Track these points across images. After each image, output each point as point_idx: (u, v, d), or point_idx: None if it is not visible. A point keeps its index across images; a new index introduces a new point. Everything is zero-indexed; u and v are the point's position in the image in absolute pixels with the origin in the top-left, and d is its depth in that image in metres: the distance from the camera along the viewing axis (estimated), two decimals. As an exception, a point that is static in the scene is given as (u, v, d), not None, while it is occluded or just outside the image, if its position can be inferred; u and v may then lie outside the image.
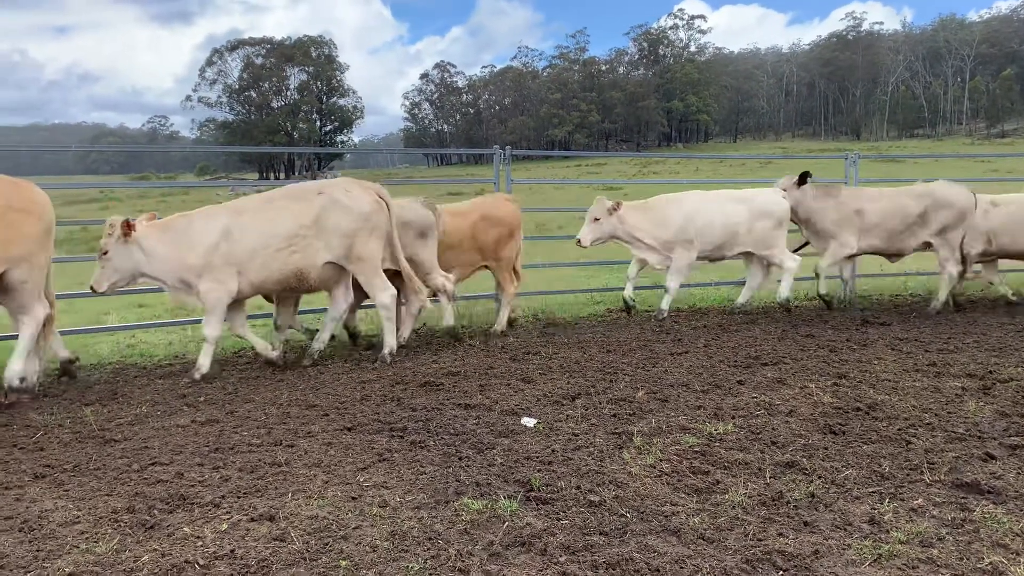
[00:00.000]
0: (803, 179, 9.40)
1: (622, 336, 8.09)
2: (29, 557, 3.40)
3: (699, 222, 9.15)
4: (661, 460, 4.49)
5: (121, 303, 11.51)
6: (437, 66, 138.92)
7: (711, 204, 9.31)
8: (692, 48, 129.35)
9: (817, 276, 9.51)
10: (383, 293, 7.20)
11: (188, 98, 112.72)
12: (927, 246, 9.35)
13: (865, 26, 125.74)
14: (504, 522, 3.68)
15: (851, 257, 9.57)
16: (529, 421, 5.27)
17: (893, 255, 9.57)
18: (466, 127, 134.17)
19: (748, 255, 9.53)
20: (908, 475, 4.24)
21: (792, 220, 9.46)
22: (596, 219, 9.05)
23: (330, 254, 6.97)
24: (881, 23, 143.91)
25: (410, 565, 3.28)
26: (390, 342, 7.27)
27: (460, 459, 4.57)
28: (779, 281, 9.39)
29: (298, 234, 6.83)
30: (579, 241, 9.09)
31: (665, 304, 9.20)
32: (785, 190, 9.39)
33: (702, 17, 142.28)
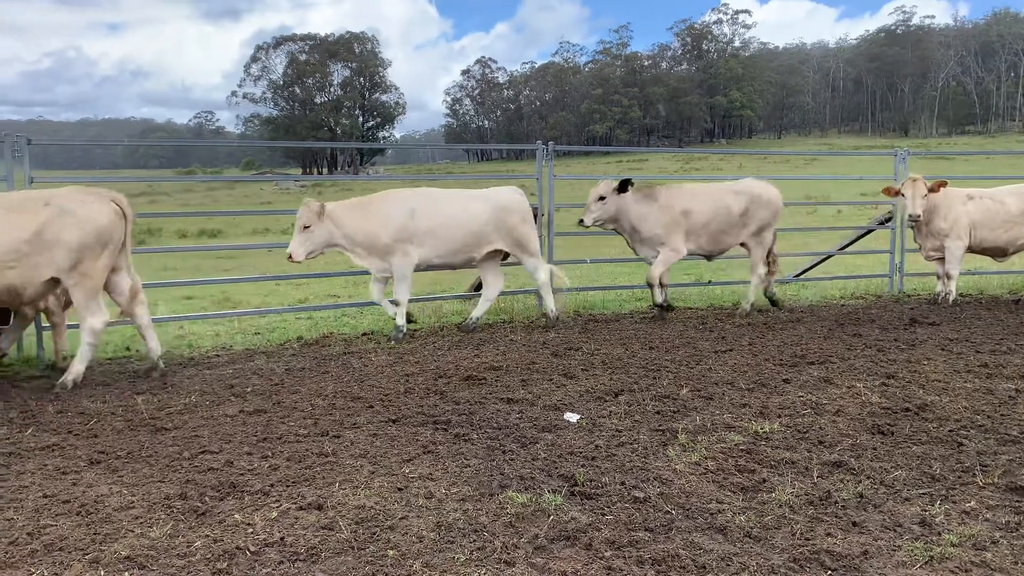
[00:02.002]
0: (624, 186, 8.60)
1: (665, 333, 8.05)
2: (87, 540, 3.50)
3: (425, 222, 7.99)
4: (706, 458, 4.47)
5: (169, 295, 11.75)
6: (478, 62, 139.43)
7: (442, 202, 8.23)
8: (736, 43, 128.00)
9: (651, 286, 8.93)
10: (96, 317, 6.38)
11: (233, 94, 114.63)
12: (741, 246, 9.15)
13: (915, 20, 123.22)
14: (549, 516, 3.69)
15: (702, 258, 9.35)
16: (572, 416, 5.27)
17: (710, 257, 9.27)
18: (507, 123, 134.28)
19: (487, 262, 8.61)
20: (960, 477, 4.17)
21: (614, 230, 8.95)
22: (306, 227, 7.62)
23: (52, 270, 6.18)
24: (932, 17, 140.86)
25: (456, 556, 3.31)
26: (78, 369, 6.40)
27: (504, 453, 4.59)
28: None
29: (17, 249, 6.02)
30: (290, 256, 7.64)
31: (400, 320, 8.06)
32: (604, 197, 8.57)
33: (747, 12, 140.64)
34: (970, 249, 9.56)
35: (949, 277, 9.53)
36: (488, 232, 8.33)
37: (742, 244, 9.21)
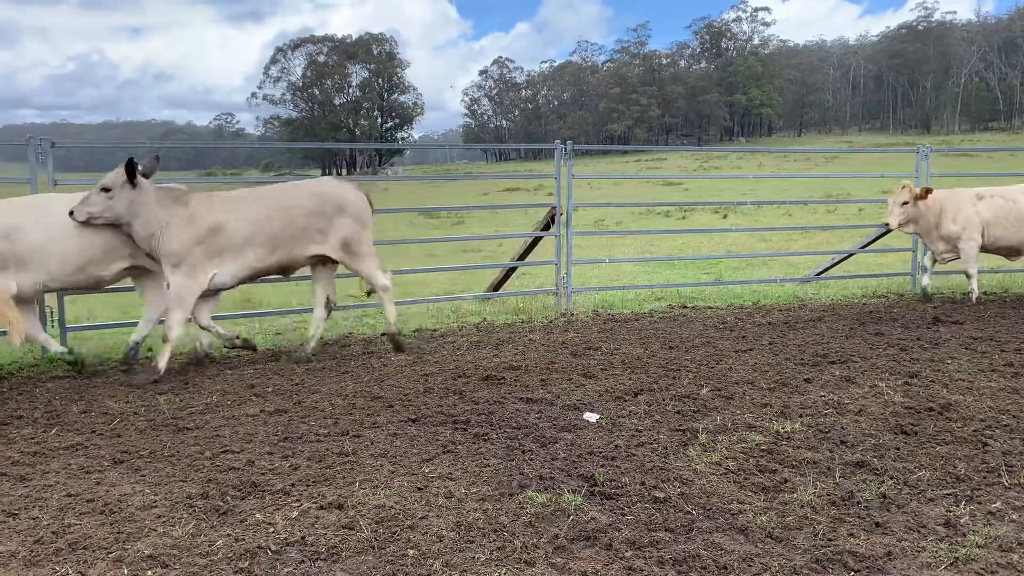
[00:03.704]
0: (132, 170, 6.38)
1: (684, 332, 8.02)
2: (111, 539, 3.53)
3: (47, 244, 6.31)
4: (727, 458, 4.44)
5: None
6: (496, 62, 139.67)
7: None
8: (756, 41, 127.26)
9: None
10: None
11: (253, 95, 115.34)
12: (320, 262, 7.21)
13: (937, 16, 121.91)
14: (569, 516, 3.69)
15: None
16: (591, 416, 5.26)
17: (278, 272, 7.14)
18: (525, 122, 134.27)
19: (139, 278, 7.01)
20: (985, 478, 4.12)
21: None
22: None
23: None
24: (954, 12, 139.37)
25: (476, 556, 3.31)
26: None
27: (523, 452, 4.59)
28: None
29: None
30: None
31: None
32: (108, 189, 6.35)
33: (766, 9, 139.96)
34: (984, 248, 9.43)
35: (969, 276, 9.42)
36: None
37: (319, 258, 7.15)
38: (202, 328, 6.97)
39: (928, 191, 9.19)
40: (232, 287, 6.93)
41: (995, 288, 10.40)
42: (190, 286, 6.49)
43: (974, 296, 9.39)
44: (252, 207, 6.78)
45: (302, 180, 7.49)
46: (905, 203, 9.21)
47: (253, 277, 7.00)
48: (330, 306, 7.46)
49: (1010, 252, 9.60)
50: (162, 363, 6.55)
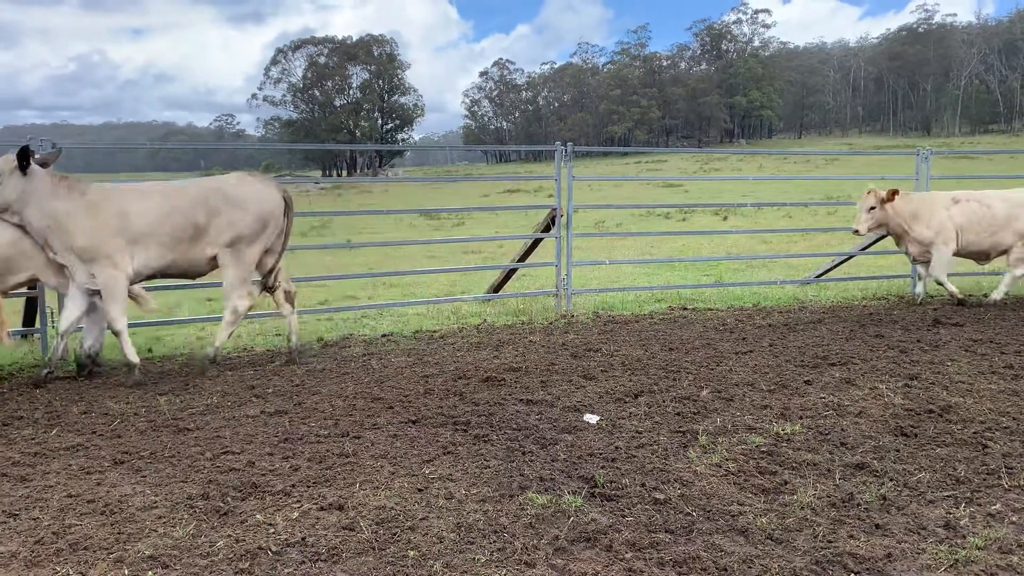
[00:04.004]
0: (25, 156, 6.13)
1: (684, 334, 8.02)
2: (111, 539, 3.53)
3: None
4: (727, 459, 4.45)
5: (191, 297, 11.83)
6: (496, 63, 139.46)
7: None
8: (756, 43, 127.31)
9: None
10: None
11: (254, 96, 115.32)
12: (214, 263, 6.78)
13: (937, 18, 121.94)
14: (569, 517, 3.69)
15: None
16: (592, 418, 5.27)
17: (179, 275, 6.84)
18: (525, 124, 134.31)
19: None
20: (985, 480, 4.12)
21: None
22: None
23: None
24: (954, 15, 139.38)
25: (476, 557, 3.32)
26: None
27: (523, 454, 4.60)
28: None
29: None
30: None
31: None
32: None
33: (766, 11, 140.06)
34: (956, 253, 9.41)
35: (940, 283, 9.37)
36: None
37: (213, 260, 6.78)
38: (59, 334, 6.57)
39: (895, 192, 9.14)
40: (134, 283, 6.62)
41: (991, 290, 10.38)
42: (117, 276, 6.29)
43: (957, 297, 9.40)
44: (153, 200, 6.47)
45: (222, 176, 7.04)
46: (872, 208, 9.17)
47: (154, 275, 6.69)
48: (291, 297, 7.30)
49: (980, 256, 9.58)
50: (130, 354, 6.50)
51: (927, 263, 9.45)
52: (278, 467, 4.43)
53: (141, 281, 6.71)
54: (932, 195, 9.52)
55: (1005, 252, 9.40)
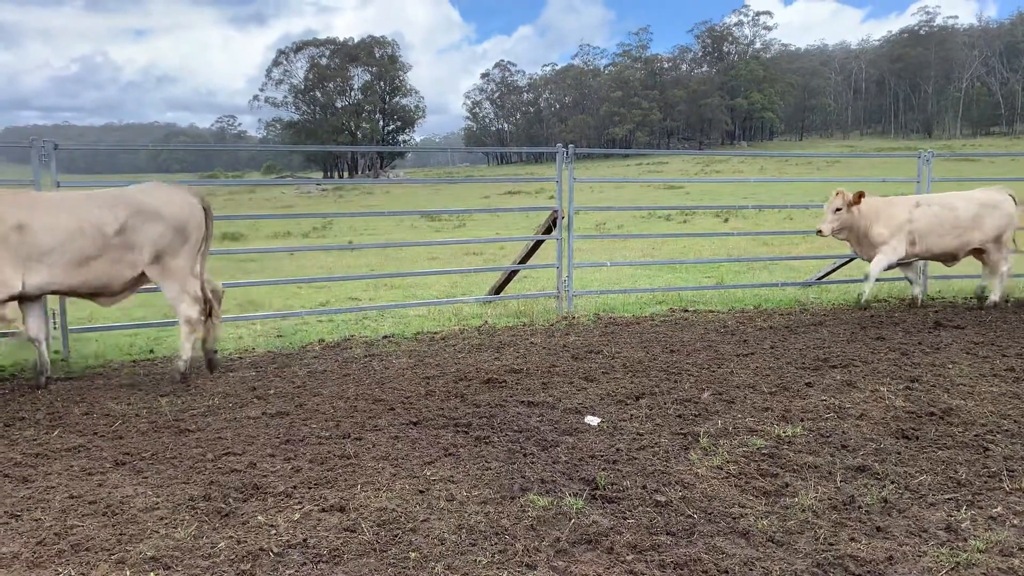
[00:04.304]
0: None
1: (686, 336, 8.02)
2: (113, 540, 3.54)
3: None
4: (728, 462, 4.45)
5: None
6: (498, 65, 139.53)
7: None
8: (757, 45, 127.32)
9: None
10: None
11: (255, 98, 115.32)
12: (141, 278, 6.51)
13: (938, 20, 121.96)
14: (570, 519, 3.69)
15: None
16: (593, 420, 5.27)
17: (89, 295, 6.39)
18: (526, 125, 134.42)
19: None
20: (986, 482, 4.12)
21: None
22: None
23: None
24: (955, 17, 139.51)
25: (478, 559, 3.32)
26: None
27: (525, 456, 4.60)
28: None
29: None
30: None
31: None
32: None
33: (768, 13, 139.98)
34: (920, 256, 9.40)
35: (867, 277, 9.36)
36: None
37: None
38: (31, 339, 6.39)
39: (861, 195, 9.10)
40: (38, 297, 6.31)
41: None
42: None
43: (864, 299, 9.44)
44: (62, 215, 6.05)
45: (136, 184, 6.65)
46: (838, 209, 9.12)
47: (61, 293, 6.39)
48: (219, 296, 6.93)
49: (948, 258, 9.57)
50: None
51: (910, 265, 9.47)
52: (279, 468, 4.43)
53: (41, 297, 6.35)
54: (896, 199, 9.45)
55: (974, 253, 9.43)
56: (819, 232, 9.29)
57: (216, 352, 7.01)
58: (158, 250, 6.34)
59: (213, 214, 6.82)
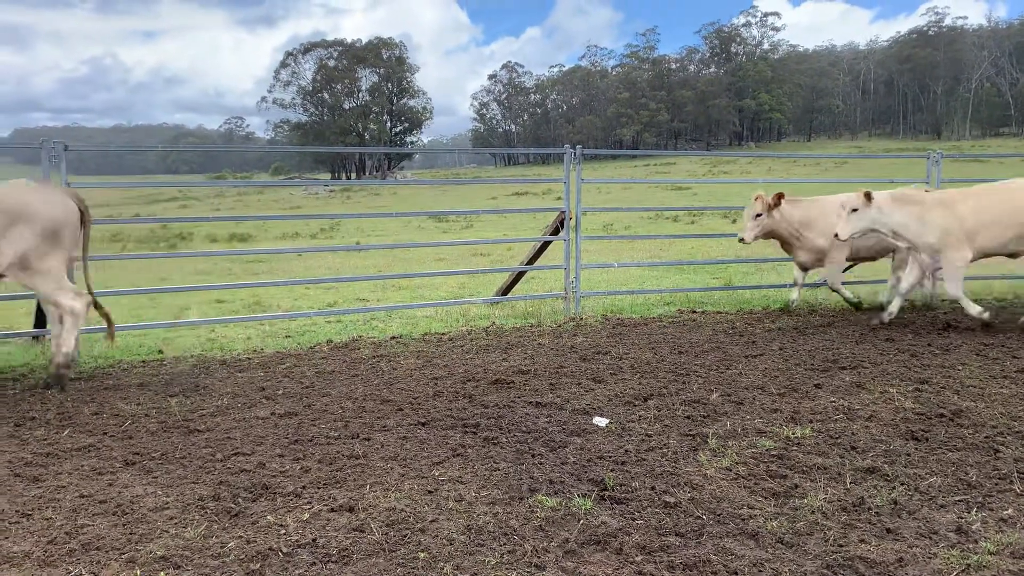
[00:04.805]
0: None
1: (694, 337, 8.01)
2: (123, 540, 3.55)
3: None
4: (737, 463, 4.44)
5: (201, 299, 11.90)
6: (505, 66, 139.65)
7: None
8: (765, 46, 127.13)
9: None
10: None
11: (263, 99, 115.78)
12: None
13: (948, 21, 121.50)
14: (579, 520, 3.69)
15: None
16: (601, 421, 5.26)
17: None
18: (533, 127, 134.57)
19: None
20: (997, 484, 4.10)
21: None
22: None
23: None
24: (965, 17, 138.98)
25: (487, 559, 3.32)
26: None
27: (533, 456, 4.60)
28: None
29: None
30: None
31: None
32: None
33: (776, 14, 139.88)
34: (848, 256, 9.29)
35: (835, 290, 9.26)
36: None
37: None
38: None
39: (780, 196, 8.81)
40: None
41: (1007, 295, 10.35)
42: None
43: (852, 303, 9.36)
44: None
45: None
46: (759, 215, 8.83)
47: None
48: (91, 301, 6.60)
49: (870, 258, 9.53)
50: None
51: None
52: (288, 468, 4.44)
53: None
54: (821, 201, 9.14)
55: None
56: (742, 240, 8.98)
57: (69, 367, 6.47)
58: (20, 255, 5.99)
59: (91, 215, 6.51)
